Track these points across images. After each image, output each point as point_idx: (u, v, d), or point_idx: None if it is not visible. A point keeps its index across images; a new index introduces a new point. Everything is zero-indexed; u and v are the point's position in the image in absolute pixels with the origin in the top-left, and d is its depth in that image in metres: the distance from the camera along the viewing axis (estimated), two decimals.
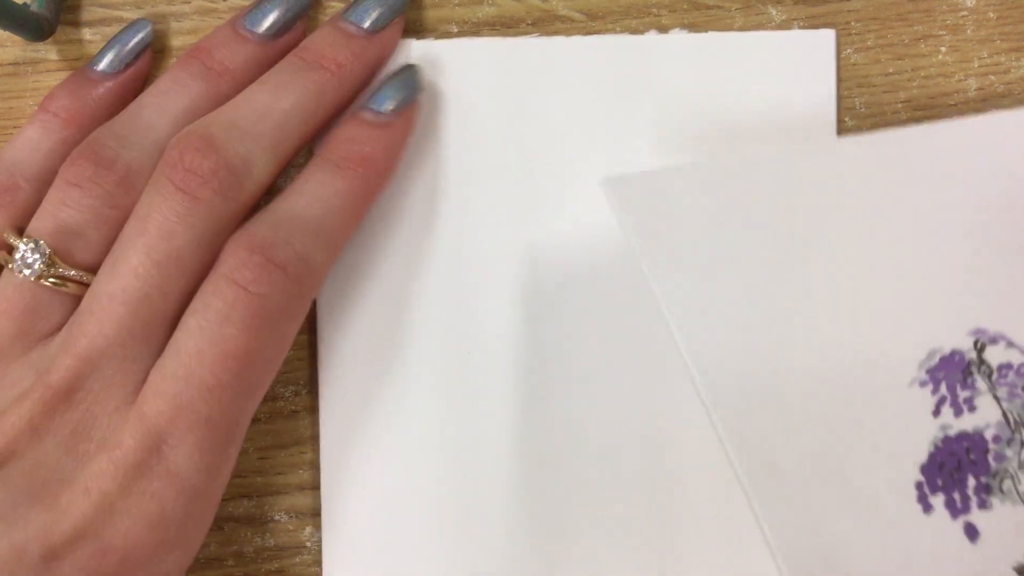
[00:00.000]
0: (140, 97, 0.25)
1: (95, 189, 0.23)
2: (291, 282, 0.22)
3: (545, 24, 0.27)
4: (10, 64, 0.27)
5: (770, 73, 0.26)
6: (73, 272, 0.23)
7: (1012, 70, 0.26)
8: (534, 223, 0.26)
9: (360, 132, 0.24)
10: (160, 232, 0.22)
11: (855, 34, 0.26)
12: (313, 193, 0.23)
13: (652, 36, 0.26)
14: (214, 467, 0.22)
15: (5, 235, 0.23)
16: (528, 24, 0.27)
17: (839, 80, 0.26)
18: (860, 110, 0.26)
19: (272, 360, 0.23)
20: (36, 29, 0.26)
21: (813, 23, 0.26)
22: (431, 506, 0.26)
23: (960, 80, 0.26)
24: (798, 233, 0.22)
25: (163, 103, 0.24)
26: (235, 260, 0.22)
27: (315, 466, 0.26)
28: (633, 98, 0.26)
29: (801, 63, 0.26)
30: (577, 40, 0.26)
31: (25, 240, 0.23)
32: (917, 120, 0.26)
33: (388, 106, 0.25)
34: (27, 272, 0.23)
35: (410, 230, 0.26)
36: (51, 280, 0.23)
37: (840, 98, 0.26)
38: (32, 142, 0.25)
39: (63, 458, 0.21)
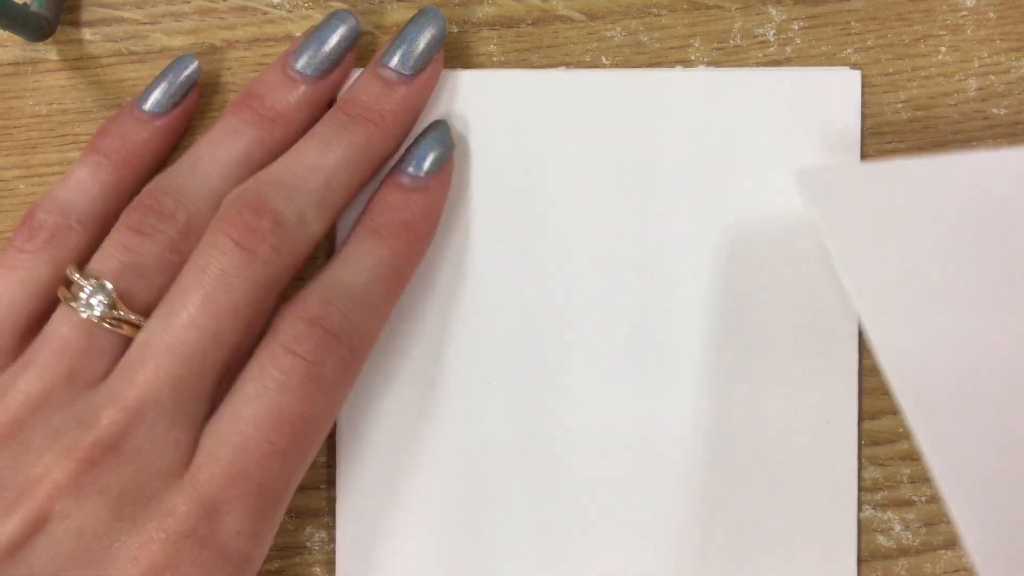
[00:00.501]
0: (194, 148, 0.25)
1: (159, 236, 0.23)
2: (346, 351, 0.23)
3: (545, 24, 0.27)
4: (10, 64, 0.27)
5: (792, 111, 0.26)
6: (133, 316, 0.23)
7: (1012, 70, 0.26)
8: (546, 253, 0.26)
9: (399, 198, 0.25)
10: (218, 284, 0.22)
11: (855, 34, 0.26)
12: (359, 263, 0.24)
13: (679, 71, 0.26)
14: (262, 534, 0.22)
15: (68, 271, 0.23)
16: (528, 24, 0.27)
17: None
18: (860, 110, 0.26)
19: (324, 427, 0.23)
20: (36, 29, 0.26)
21: (813, 23, 0.26)
22: (444, 509, 0.26)
23: (960, 80, 0.26)
24: (987, 237, 0.22)
25: (216, 153, 0.24)
26: (294, 331, 0.22)
27: (315, 466, 0.26)
28: (653, 133, 0.26)
29: (824, 102, 0.26)
30: (591, 74, 0.26)
31: (91, 279, 0.23)
32: (916, 119, 0.26)
33: (423, 168, 0.25)
34: (89, 312, 0.22)
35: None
36: (109, 322, 0.23)
37: None
38: (83, 183, 0.25)
39: (110, 521, 0.21)
